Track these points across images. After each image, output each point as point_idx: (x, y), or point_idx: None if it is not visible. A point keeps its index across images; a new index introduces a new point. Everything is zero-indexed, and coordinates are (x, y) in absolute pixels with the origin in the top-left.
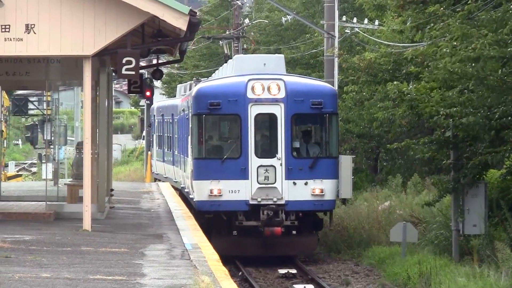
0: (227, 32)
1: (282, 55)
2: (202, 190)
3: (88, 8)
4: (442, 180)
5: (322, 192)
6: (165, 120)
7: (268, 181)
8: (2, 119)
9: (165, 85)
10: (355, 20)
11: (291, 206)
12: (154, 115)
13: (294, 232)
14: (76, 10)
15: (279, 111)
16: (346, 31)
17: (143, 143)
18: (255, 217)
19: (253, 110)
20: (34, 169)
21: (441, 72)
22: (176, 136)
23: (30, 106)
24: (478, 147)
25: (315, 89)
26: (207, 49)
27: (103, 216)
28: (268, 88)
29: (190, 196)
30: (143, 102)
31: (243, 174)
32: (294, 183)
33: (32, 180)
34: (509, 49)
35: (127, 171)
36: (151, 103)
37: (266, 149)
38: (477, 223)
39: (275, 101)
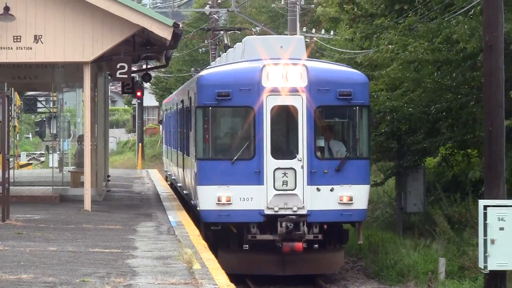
0: (205, 42)
1: (302, 37)
2: (207, 197)
3: (87, 21)
4: (388, 166)
5: (351, 200)
6: (167, 114)
7: (287, 186)
8: (15, 116)
9: (153, 86)
10: (313, 30)
11: (315, 216)
12: (162, 110)
13: (316, 246)
14: (77, 23)
15: (300, 102)
16: (306, 40)
17: (134, 136)
18: (271, 230)
19: (269, 102)
20: (42, 159)
21: (386, 78)
22: (173, 131)
23: (39, 105)
24: (418, 138)
25: (344, 77)
26: (189, 56)
27: (101, 198)
28: (287, 75)
29: (192, 202)
30: (134, 101)
31: (256, 178)
32: (318, 189)
33: (40, 168)
34: (441, 53)
35: (121, 160)
36: (142, 102)
37: (285, 149)
38: (417, 202)
39: (295, 91)
